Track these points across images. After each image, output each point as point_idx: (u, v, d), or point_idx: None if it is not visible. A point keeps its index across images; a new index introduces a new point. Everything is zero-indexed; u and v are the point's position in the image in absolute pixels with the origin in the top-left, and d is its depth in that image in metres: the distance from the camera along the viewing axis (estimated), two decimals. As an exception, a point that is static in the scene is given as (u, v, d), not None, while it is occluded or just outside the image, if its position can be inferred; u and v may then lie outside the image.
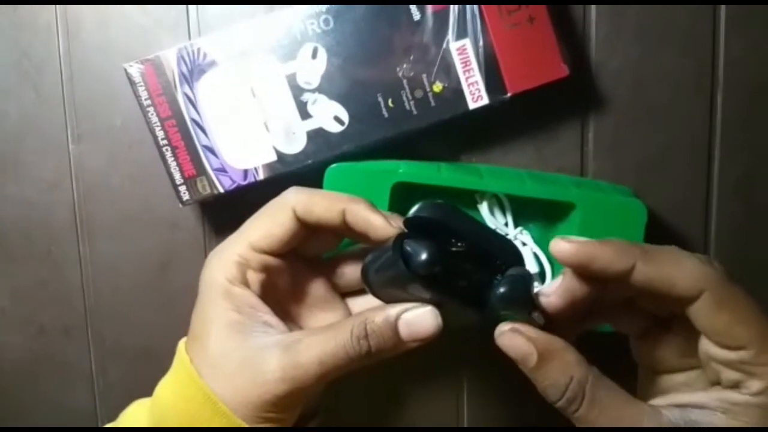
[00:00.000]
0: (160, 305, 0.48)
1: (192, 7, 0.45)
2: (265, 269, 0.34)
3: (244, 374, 0.31)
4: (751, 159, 0.46)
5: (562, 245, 0.28)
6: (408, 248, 0.30)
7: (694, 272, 0.27)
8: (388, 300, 0.32)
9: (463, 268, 0.31)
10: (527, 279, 0.30)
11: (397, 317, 0.31)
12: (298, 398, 0.32)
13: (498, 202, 0.44)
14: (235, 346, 0.32)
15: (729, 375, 0.27)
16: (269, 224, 0.33)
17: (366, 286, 0.33)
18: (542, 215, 0.44)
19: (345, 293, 0.37)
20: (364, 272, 0.32)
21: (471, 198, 0.44)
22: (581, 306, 0.30)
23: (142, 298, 0.48)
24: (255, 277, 0.33)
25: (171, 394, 0.33)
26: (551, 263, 0.43)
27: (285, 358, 0.31)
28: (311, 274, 0.36)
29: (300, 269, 0.36)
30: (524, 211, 0.44)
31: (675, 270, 0.27)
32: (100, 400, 0.49)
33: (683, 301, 0.27)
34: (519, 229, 0.44)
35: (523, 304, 0.29)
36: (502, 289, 0.29)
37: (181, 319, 0.47)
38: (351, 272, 0.37)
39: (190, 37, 0.46)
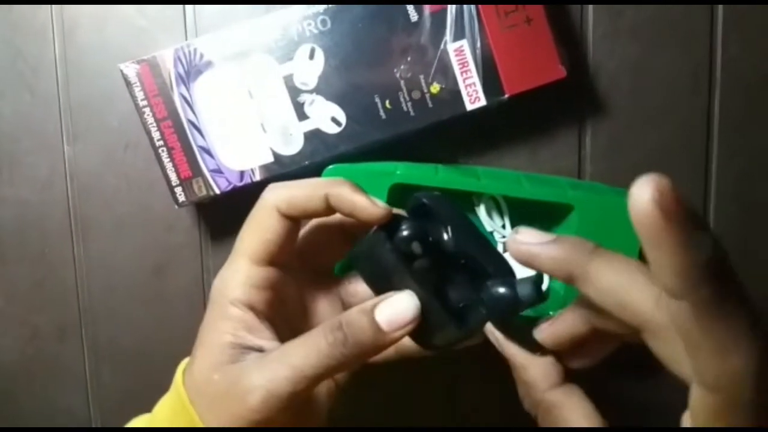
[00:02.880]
0: (155, 307, 0.48)
1: (189, 8, 0.45)
2: (271, 285, 0.32)
3: (224, 401, 0.30)
4: (749, 160, 0.46)
5: (514, 245, 0.27)
6: (397, 223, 0.30)
7: (676, 281, 0.23)
8: (374, 282, 0.31)
9: (450, 271, 0.30)
10: (510, 299, 0.29)
11: (374, 306, 0.29)
12: (284, 414, 0.30)
13: (495, 204, 0.44)
14: (217, 369, 0.30)
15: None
16: (260, 232, 0.32)
17: (356, 270, 0.32)
18: (540, 217, 0.44)
19: None
20: (353, 253, 0.32)
21: (468, 200, 0.44)
22: (575, 346, 0.29)
23: (137, 300, 0.48)
24: (261, 296, 0.32)
25: (164, 416, 0.32)
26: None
27: (261, 372, 0.29)
28: (321, 291, 0.35)
29: (309, 286, 0.35)
30: (521, 212, 0.44)
31: (628, 291, 0.25)
32: (94, 402, 0.49)
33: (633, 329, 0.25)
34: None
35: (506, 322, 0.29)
36: (485, 308, 0.29)
37: (176, 321, 0.48)
38: (364, 289, 0.35)
39: (186, 38, 0.45)
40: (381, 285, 0.31)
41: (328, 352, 0.29)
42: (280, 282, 0.33)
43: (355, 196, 0.31)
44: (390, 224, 0.31)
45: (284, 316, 0.33)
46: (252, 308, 0.32)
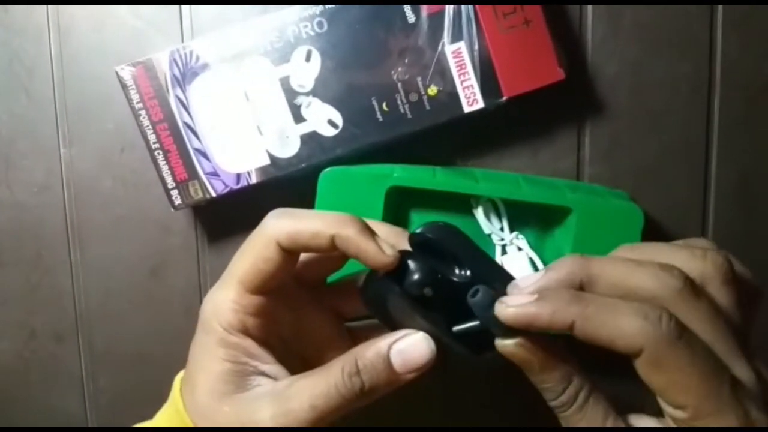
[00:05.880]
0: (152, 310, 0.47)
1: (185, 9, 0.45)
2: (263, 312, 0.32)
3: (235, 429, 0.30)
4: (749, 162, 0.46)
5: (503, 310, 0.27)
6: (405, 265, 0.29)
7: (632, 331, 0.25)
8: (387, 321, 0.31)
9: (460, 298, 0.29)
10: (486, 302, 0.28)
11: (389, 348, 0.29)
12: None
13: (494, 207, 0.43)
14: (225, 400, 0.30)
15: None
16: (255, 261, 0.31)
17: (365, 306, 0.32)
18: (538, 220, 0.44)
19: (352, 318, 0.36)
20: (361, 290, 0.31)
21: (466, 202, 0.43)
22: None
23: (133, 303, 0.47)
24: (254, 323, 0.32)
25: None
26: (547, 268, 0.43)
27: (275, 408, 0.29)
28: (315, 305, 0.35)
29: (302, 300, 0.34)
30: (520, 215, 0.44)
31: (614, 330, 0.25)
32: (91, 405, 0.49)
33: (626, 356, 0.26)
34: (515, 233, 0.43)
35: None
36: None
37: (173, 324, 0.47)
38: (356, 298, 0.34)
39: (183, 40, 0.45)
40: (393, 324, 0.31)
41: (346, 394, 0.29)
42: (273, 306, 0.32)
43: (363, 243, 0.29)
44: (401, 253, 0.30)
45: (279, 335, 0.33)
46: (248, 334, 0.32)
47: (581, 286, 0.27)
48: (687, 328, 0.25)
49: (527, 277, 0.28)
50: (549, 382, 0.28)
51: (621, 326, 0.25)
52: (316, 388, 0.30)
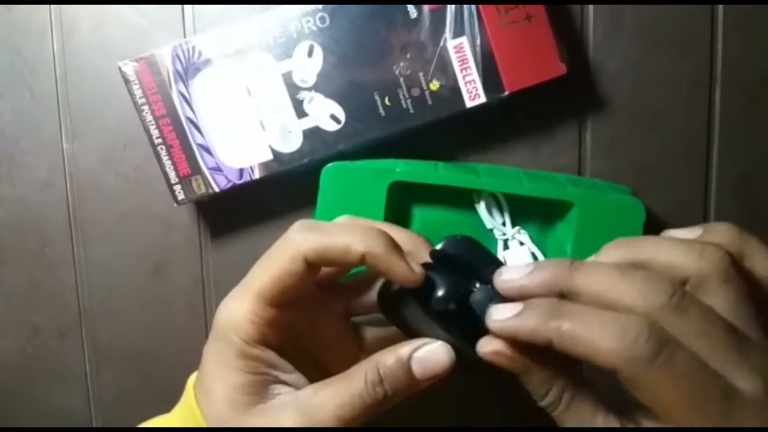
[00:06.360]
0: (155, 306, 0.47)
1: (188, 6, 0.45)
2: (282, 323, 0.32)
3: None
4: (750, 158, 0.46)
5: (488, 322, 0.28)
6: (428, 279, 0.30)
7: (607, 351, 0.25)
8: (406, 329, 0.32)
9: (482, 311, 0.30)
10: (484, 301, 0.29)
11: (409, 356, 0.30)
12: None
13: (495, 202, 0.43)
14: (248, 410, 0.30)
15: None
16: (279, 274, 0.30)
17: (382, 314, 0.32)
18: (540, 214, 0.44)
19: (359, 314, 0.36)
20: (380, 299, 0.32)
21: (468, 197, 0.43)
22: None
23: (136, 299, 0.47)
24: (273, 333, 0.31)
25: None
26: (549, 263, 0.43)
27: (301, 420, 0.30)
28: (326, 308, 0.34)
29: (315, 304, 0.34)
30: (522, 210, 0.44)
31: (589, 348, 0.25)
32: (95, 402, 0.49)
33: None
34: (517, 228, 0.43)
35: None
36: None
37: (176, 321, 0.47)
38: (366, 297, 0.35)
39: (185, 36, 0.45)
40: (412, 332, 0.31)
41: (370, 403, 0.30)
42: (291, 315, 0.32)
43: (393, 261, 0.30)
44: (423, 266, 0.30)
45: (293, 341, 0.33)
46: (268, 345, 0.32)
47: (564, 295, 0.27)
48: (669, 343, 0.25)
49: (512, 269, 0.29)
50: (532, 384, 0.28)
51: (597, 345, 0.25)
52: (341, 398, 0.30)
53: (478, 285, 0.30)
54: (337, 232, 0.30)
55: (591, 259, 0.30)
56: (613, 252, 0.29)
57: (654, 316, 0.25)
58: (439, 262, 0.31)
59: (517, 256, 0.43)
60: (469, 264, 0.30)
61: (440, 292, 0.29)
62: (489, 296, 0.29)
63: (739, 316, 0.27)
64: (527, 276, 0.28)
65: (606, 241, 0.40)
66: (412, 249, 0.32)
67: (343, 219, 0.35)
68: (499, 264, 0.30)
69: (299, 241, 0.30)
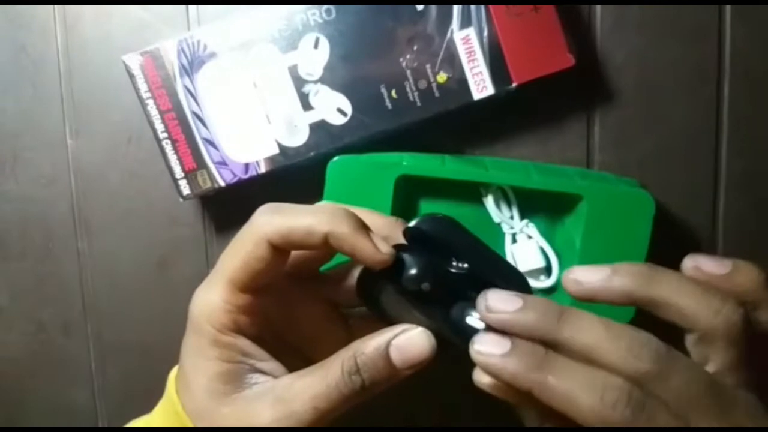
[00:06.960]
0: (160, 301, 0.47)
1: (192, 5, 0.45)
2: (255, 310, 0.31)
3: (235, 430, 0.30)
4: (758, 149, 0.45)
5: (472, 350, 0.28)
6: (401, 260, 0.29)
7: (585, 410, 0.25)
8: (385, 316, 0.31)
9: (462, 292, 0.29)
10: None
11: (388, 344, 0.29)
12: None
13: (503, 195, 0.43)
14: (224, 400, 0.30)
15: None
16: (245, 259, 0.30)
17: (361, 301, 0.31)
18: (548, 208, 0.44)
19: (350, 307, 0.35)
20: (359, 286, 0.31)
21: (476, 191, 0.43)
22: None
23: (141, 295, 0.47)
24: (246, 321, 0.31)
25: None
26: (558, 257, 0.43)
27: (277, 410, 0.29)
28: (307, 297, 0.34)
29: (294, 293, 0.33)
30: (530, 203, 0.43)
31: (568, 405, 0.25)
32: (99, 397, 0.48)
33: None
34: (525, 221, 0.43)
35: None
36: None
37: (181, 316, 0.47)
38: (351, 287, 0.33)
39: (189, 29, 0.45)
40: (391, 319, 0.31)
41: (347, 392, 0.29)
42: (265, 303, 0.32)
43: (357, 241, 0.29)
44: (397, 247, 0.30)
45: (272, 330, 0.33)
46: (241, 333, 0.31)
47: (550, 345, 0.27)
48: (646, 409, 0.25)
49: (499, 297, 0.28)
50: (528, 418, 0.28)
51: (576, 402, 0.25)
52: (317, 388, 0.29)
53: (454, 263, 0.29)
54: (300, 214, 0.29)
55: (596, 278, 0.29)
56: (630, 280, 0.27)
57: (636, 380, 0.25)
58: (416, 242, 0.30)
59: (526, 250, 0.43)
60: (448, 244, 0.30)
61: (412, 270, 0.29)
62: (468, 307, 0.29)
63: (735, 378, 0.27)
64: (514, 314, 0.27)
65: (615, 233, 0.40)
66: (389, 233, 0.31)
67: (319, 203, 0.34)
68: (479, 243, 0.30)
69: (262, 224, 0.30)
